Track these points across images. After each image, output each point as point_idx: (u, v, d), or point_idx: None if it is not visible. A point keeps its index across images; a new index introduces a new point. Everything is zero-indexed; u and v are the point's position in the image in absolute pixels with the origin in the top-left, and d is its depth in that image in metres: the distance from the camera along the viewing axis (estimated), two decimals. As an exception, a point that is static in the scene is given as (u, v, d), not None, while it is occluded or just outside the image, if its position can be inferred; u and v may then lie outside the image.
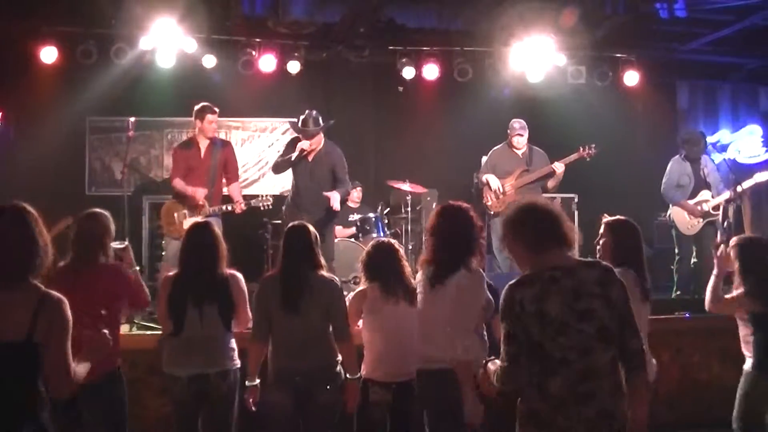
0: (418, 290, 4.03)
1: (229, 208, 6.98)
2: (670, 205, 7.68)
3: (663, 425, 4.24)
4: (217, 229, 4.45)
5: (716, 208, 7.49)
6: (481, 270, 3.98)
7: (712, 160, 7.88)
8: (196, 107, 7.17)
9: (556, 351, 2.92)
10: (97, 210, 4.36)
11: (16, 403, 2.77)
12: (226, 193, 7.38)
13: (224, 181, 7.27)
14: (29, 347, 2.77)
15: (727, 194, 7.43)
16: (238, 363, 4.34)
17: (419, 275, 4.04)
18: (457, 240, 3.91)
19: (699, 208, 7.49)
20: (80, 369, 2.95)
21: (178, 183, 7.02)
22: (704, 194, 7.53)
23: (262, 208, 7.09)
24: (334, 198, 6.73)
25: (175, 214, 7.02)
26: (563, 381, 2.91)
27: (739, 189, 7.33)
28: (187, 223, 6.69)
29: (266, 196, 7.25)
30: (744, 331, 4.64)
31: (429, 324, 3.92)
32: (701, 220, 7.47)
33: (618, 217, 4.28)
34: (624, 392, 3.00)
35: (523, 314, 2.94)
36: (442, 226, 3.95)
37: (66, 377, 2.86)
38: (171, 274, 4.40)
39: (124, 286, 4.30)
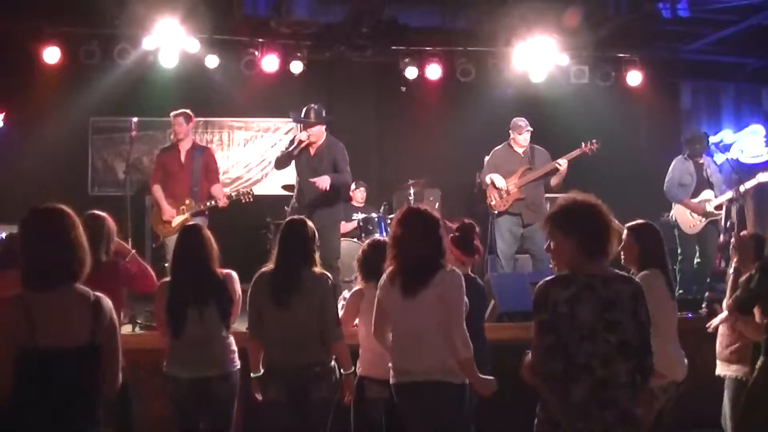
0: (379, 303, 3.86)
1: (212, 203, 7.12)
2: (673, 205, 7.66)
3: (666, 425, 4.24)
4: (206, 230, 4.44)
5: (719, 207, 7.48)
6: (456, 269, 3.86)
7: (714, 162, 7.87)
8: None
9: (581, 356, 2.94)
10: (95, 211, 4.37)
11: (84, 404, 2.85)
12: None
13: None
14: (93, 350, 2.84)
15: (729, 194, 7.43)
16: (238, 364, 4.34)
17: (383, 284, 3.84)
18: (428, 242, 3.76)
19: (702, 206, 7.48)
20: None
21: (156, 191, 7.23)
22: (707, 194, 7.52)
23: (242, 201, 7.18)
24: (322, 180, 6.63)
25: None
26: (586, 388, 2.94)
27: (741, 189, 7.33)
28: (176, 221, 7.00)
29: (247, 189, 7.44)
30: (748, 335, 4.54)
31: (412, 332, 3.73)
32: (703, 219, 7.46)
33: (639, 221, 4.33)
34: (639, 397, 3.06)
35: (555, 313, 2.96)
36: (409, 232, 3.76)
37: (120, 373, 2.98)
38: (165, 280, 4.37)
39: (120, 282, 4.34)
